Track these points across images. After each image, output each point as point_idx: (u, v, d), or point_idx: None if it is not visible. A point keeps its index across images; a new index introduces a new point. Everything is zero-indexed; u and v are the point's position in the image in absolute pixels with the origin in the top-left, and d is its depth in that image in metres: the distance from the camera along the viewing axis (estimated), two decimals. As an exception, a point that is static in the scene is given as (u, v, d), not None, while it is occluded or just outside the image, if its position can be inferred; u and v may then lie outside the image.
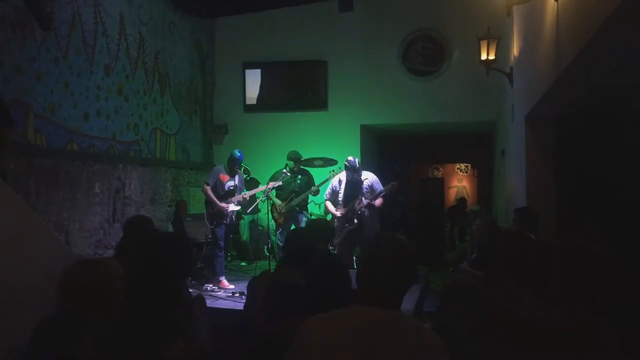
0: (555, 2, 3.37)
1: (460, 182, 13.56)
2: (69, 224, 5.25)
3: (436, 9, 7.92)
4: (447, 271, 6.60)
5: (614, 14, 2.21)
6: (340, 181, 6.01)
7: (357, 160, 5.88)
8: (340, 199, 5.98)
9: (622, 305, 1.79)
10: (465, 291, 2.39)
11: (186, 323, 2.08)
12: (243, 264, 7.80)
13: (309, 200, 6.78)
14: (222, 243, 6.08)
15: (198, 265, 6.41)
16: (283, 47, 8.37)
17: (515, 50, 5.88)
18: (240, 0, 8.35)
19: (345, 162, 5.86)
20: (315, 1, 8.25)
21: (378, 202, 5.88)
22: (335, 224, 5.83)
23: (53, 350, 1.85)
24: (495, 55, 5.79)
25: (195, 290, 5.49)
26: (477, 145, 10.65)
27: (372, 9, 8.16)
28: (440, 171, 13.77)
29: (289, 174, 6.38)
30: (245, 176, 7.10)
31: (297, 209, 6.43)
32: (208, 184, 6.09)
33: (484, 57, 5.79)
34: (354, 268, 4.33)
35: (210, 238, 6.32)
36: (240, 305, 4.39)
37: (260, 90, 8.62)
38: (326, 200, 6.13)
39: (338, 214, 5.88)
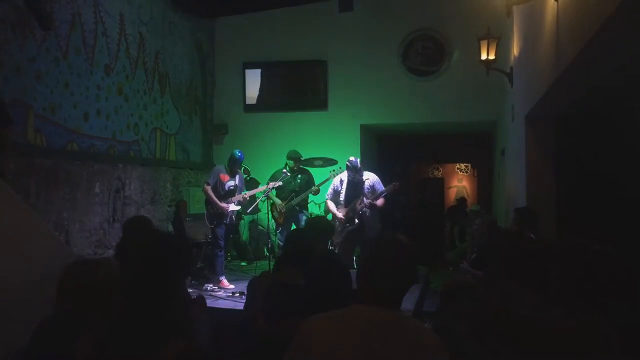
0: (555, 2, 3.37)
1: (460, 182, 13.56)
2: (69, 224, 5.25)
3: (436, 8, 7.92)
4: (447, 271, 6.59)
5: (614, 14, 2.21)
6: (341, 181, 6.00)
7: (358, 160, 5.88)
8: (341, 199, 5.98)
9: (622, 305, 1.79)
10: (465, 291, 2.39)
11: (186, 323, 2.08)
12: (243, 263, 7.80)
13: (309, 200, 6.78)
14: (222, 243, 6.08)
15: (198, 265, 6.41)
16: (283, 47, 8.38)
17: (515, 50, 5.89)
18: (240, 0, 8.35)
19: (347, 163, 5.85)
20: (315, 1, 8.25)
21: (380, 202, 5.88)
22: (336, 223, 5.83)
23: (53, 350, 1.85)
24: (495, 55, 5.79)
25: (195, 290, 5.50)
26: (477, 145, 10.65)
27: (372, 9, 8.16)
28: (440, 171, 13.76)
29: (288, 174, 6.38)
30: (245, 176, 7.09)
31: (297, 208, 6.43)
32: (208, 184, 6.09)
33: (484, 57, 5.80)
34: (354, 268, 4.33)
35: (210, 238, 6.32)
36: (240, 305, 4.40)
37: (260, 90, 8.62)
38: (327, 200, 6.13)
39: (340, 215, 5.88)
